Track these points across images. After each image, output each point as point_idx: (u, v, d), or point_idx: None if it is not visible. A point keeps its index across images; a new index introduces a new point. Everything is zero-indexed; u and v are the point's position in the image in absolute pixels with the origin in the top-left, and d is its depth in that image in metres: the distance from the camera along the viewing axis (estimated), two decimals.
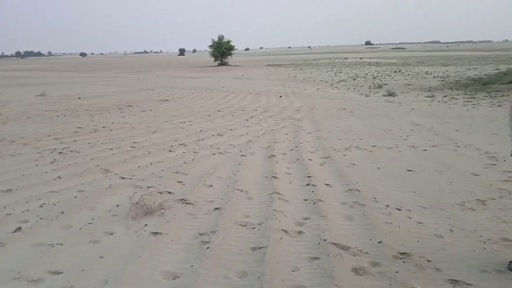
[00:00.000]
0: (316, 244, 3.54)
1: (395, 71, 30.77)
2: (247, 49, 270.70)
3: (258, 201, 4.71)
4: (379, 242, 3.56)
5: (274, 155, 6.90)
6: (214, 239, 3.65)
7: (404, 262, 3.21)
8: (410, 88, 19.98)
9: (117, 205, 4.57)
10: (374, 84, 22.26)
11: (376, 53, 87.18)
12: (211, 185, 5.32)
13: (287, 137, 8.67)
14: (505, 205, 4.40)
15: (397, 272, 3.05)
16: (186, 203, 4.63)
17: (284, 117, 11.65)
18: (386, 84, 21.87)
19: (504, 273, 3.01)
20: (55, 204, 4.62)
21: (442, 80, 22.63)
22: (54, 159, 6.68)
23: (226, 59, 54.33)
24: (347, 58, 57.92)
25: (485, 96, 14.95)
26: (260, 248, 3.46)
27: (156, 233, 3.84)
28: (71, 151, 7.29)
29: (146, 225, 4.04)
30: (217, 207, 4.51)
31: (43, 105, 13.96)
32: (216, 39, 54.01)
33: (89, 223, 4.09)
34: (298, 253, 3.41)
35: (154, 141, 8.23)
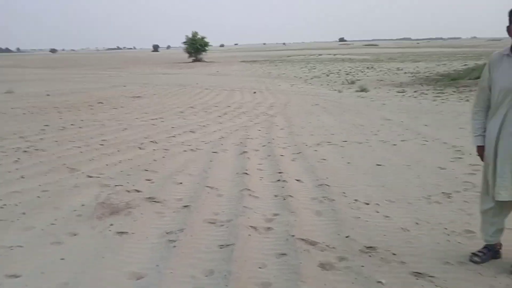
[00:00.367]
0: (284, 240, 3.53)
1: (367, 67, 31.22)
2: (222, 46, 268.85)
3: (228, 198, 4.67)
4: (347, 237, 3.58)
5: (246, 152, 6.88)
6: (181, 237, 3.59)
7: (370, 256, 3.23)
8: (382, 83, 20.29)
9: (83, 205, 4.44)
10: (347, 80, 22.50)
11: (349, 49, 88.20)
12: (181, 183, 5.24)
13: (260, 133, 8.66)
14: (470, 197, 4.49)
15: (362, 266, 3.07)
16: (154, 201, 4.54)
17: (257, 113, 11.63)
18: (358, 80, 22.14)
19: (466, 264, 3.07)
20: (16, 205, 4.43)
21: (412, 76, 23.09)
22: (18, 158, 6.44)
23: (201, 55, 53.95)
24: (321, 55, 58.40)
25: (453, 91, 15.33)
26: (228, 245, 3.42)
27: (122, 232, 3.74)
28: (37, 149, 7.04)
29: (111, 224, 3.93)
30: (186, 205, 4.44)
31: (9, 103, 13.47)
32: (190, 36, 53.58)
33: (52, 224, 3.95)
34: (266, 249, 3.39)
35: (124, 138, 8.06)
